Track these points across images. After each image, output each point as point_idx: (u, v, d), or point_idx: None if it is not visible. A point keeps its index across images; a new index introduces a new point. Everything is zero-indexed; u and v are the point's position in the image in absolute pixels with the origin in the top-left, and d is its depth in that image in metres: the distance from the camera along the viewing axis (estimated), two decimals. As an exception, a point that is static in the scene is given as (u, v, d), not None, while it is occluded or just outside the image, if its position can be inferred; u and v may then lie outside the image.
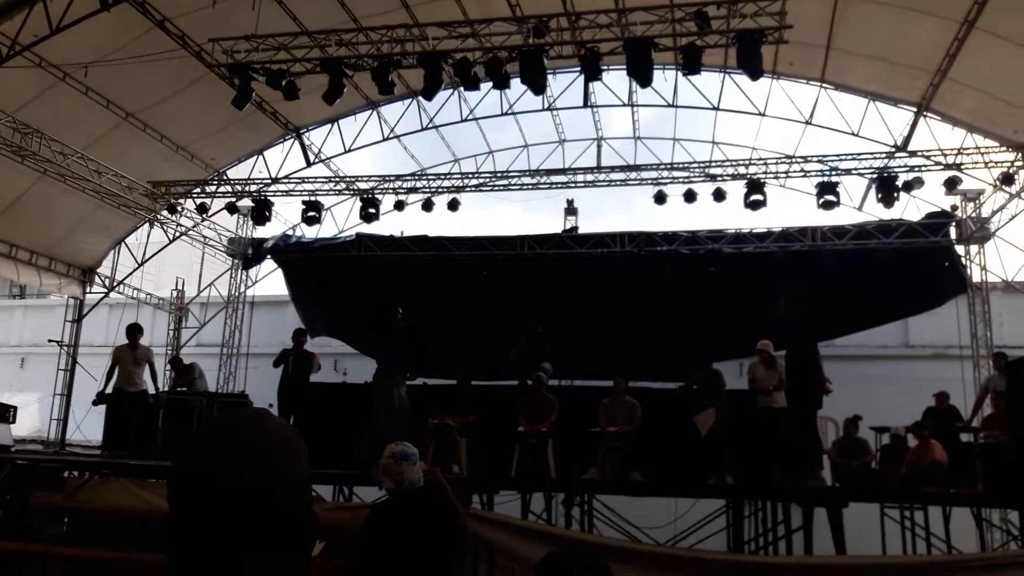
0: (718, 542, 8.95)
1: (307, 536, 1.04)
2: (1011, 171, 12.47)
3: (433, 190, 15.27)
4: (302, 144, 16.07)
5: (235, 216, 15.99)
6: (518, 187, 15.26)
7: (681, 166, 14.51)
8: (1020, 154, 12.47)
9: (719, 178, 13.91)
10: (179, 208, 15.18)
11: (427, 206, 15.06)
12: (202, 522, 0.97)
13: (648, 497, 9.21)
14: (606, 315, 14.03)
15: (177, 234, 16.18)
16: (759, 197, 13.31)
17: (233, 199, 15.34)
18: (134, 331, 10.67)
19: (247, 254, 16.90)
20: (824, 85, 13.91)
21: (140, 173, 14.32)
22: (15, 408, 10.46)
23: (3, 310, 23.26)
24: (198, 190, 15.38)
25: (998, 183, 12.79)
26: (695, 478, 8.70)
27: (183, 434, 9.77)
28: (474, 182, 15.37)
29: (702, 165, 14.37)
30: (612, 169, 15.01)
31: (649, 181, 14.53)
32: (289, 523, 1.01)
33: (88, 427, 14.21)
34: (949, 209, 14.19)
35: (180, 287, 17.81)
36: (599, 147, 15.99)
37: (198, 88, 13.01)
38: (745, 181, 13.46)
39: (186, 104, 13.52)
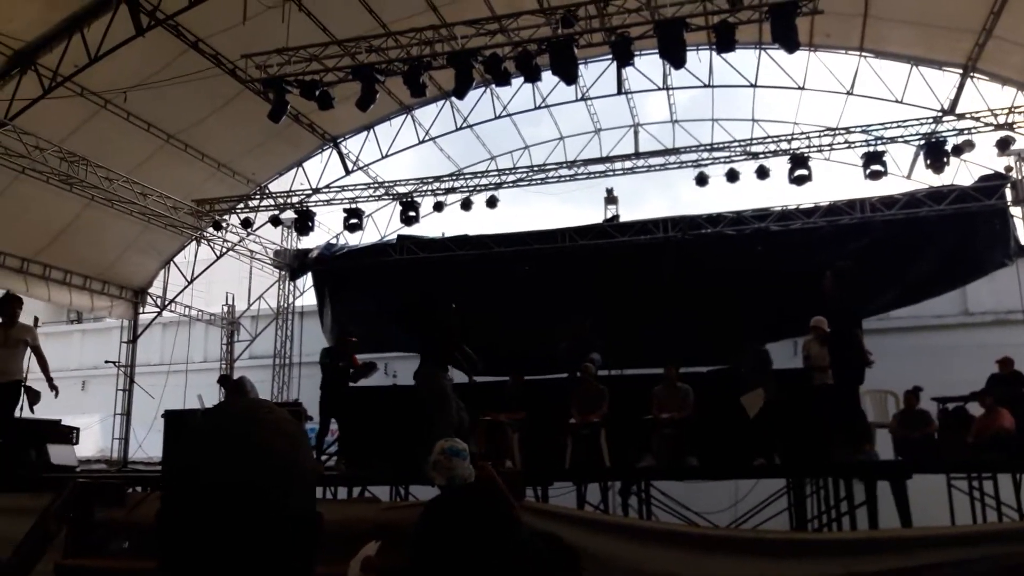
0: (781, 523, 8.78)
1: (309, 540, 0.95)
2: (1066, 126, 12.03)
3: (471, 189, 15.27)
4: (340, 153, 16.25)
5: (279, 228, 16.25)
6: (555, 179, 15.15)
7: (721, 146, 14.26)
8: (1074, 108, 12.01)
9: (761, 155, 13.63)
10: (224, 224, 15.44)
11: (466, 205, 15.07)
12: (188, 525, 0.90)
13: (707, 482, 9.08)
14: (653, 302, 13.83)
15: (224, 250, 16.44)
16: (804, 172, 13.01)
17: (276, 212, 15.56)
18: (9, 304, 8.19)
19: (293, 265, 17.12)
20: (864, 54, 13.56)
21: (184, 192, 14.61)
22: (78, 429, 10.73)
23: (62, 335, 23.92)
24: (241, 205, 15.62)
25: (1053, 140, 12.37)
26: (750, 460, 8.57)
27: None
28: (511, 178, 15.32)
29: (743, 143, 14.10)
30: (650, 154, 14.82)
31: (689, 164, 14.28)
32: (287, 525, 0.92)
33: (149, 444, 14.54)
34: (1003, 171, 13.71)
35: (230, 302, 18.13)
36: (636, 133, 15.83)
37: (234, 105, 13.24)
38: (788, 156, 13.19)
39: (224, 122, 13.76)
